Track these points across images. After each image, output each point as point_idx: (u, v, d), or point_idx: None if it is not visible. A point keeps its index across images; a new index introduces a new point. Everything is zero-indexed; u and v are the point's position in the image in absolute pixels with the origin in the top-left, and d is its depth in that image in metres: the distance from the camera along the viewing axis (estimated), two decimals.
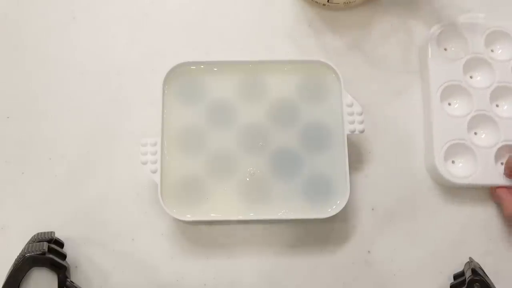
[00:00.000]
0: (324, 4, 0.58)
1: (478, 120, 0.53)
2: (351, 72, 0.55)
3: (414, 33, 0.58)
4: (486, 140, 0.53)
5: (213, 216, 0.50)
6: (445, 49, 0.55)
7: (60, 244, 0.51)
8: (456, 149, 0.52)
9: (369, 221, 0.53)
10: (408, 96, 0.56)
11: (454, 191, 0.53)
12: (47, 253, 0.47)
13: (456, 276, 0.51)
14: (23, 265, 0.46)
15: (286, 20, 0.58)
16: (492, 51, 0.55)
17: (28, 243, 0.49)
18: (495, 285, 0.48)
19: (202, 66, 0.53)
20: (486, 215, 0.53)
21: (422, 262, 0.52)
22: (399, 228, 0.53)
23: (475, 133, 0.53)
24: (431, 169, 0.53)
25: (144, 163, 0.50)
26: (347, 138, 0.51)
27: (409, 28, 0.58)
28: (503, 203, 0.51)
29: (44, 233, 0.51)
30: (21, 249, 0.48)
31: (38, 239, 0.49)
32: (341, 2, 0.57)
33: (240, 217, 0.50)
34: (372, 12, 0.58)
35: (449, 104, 0.54)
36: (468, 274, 0.48)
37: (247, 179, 0.51)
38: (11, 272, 0.46)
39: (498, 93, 0.54)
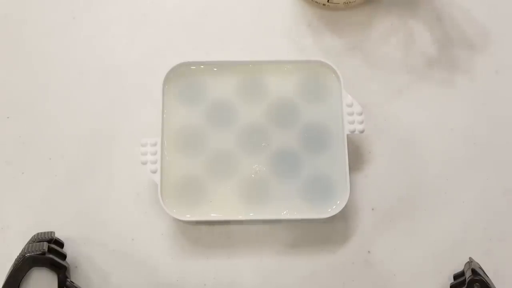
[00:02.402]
0: (324, 4, 0.58)
1: None
2: (351, 72, 0.55)
3: (415, 33, 0.58)
4: None
5: (213, 216, 0.50)
6: None
7: (60, 244, 0.51)
8: None
9: (369, 221, 0.53)
10: (408, 96, 0.56)
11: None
12: (47, 253, 0.47)
13: (456, 276, 0.51)
14: (23, 265, 0.46)
15: (286, 20, 0.58)
16: None
17: (28, 243, 0.49)
18: (495, 285, 0.48)
19: (202, 66, 0.53)
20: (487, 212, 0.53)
21: (422, 262, 0.52)
22: (399, 228, 0.53)
23: None
24: None
25: (144, 163, 0.50)
26: (347, 138, 0.51)
27: (410, 28, 0.58)
28: None
29: (44, 233, 0.51)
30: (21, 249, 0.48)
31: (38, 239, 0.49)
32: (341, 2, 0.56)
33: (240, 217, 0.50)
34: (372, 12, 0.58)
35: None
36: (468, 274, 0.48)
37: (253, 175, 0.51)
38: (11, 272, 0.46)
39: None
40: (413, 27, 0.58)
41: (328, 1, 0.57)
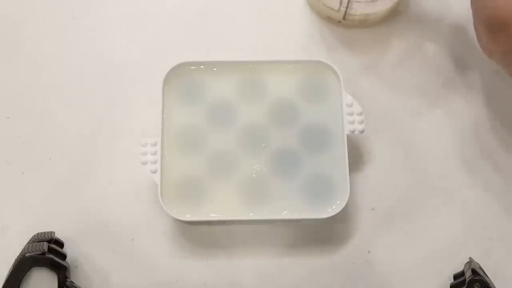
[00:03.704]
0: (337, 20, 0.57)
1: None
2: (351, 72, 0.55)
3: (415, 34, 0.58)
4: None
5: (213, 216, 0.50)
6: None
7: (60, 244, 0.51)
8: None
9: (369, 221, 0.53)
10: (408, 96, 0.56)
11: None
12: (47, 253, 0.47)
13: (456, 276, 0.51)
14: (23, 265, 0.46)
15: (286, 19, 0.58)
16: None
17: (28, 243, 0.49)
18: (495, 285, 0.48)
19: (202, 66, 0.53)
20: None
21: (422, 262, 0.52)
22: (399, 228, 0.53)
23: None
24: None
25: (144, 163, 0.50)
26: (347, 138, 0.51)
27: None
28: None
29: (44, 233, 0.51)
30: (21, 249, 0.48)
31: (38, 239, 0.49)
32: (356, 19, 0.56)
33: (240, 217, 0.50)
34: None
35: None
36: (468, 274, 0.48)
37: (253, 175, 0.51)
38: (11, 272, 0.46)
39: None
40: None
41: (344, 18, 0.56)
